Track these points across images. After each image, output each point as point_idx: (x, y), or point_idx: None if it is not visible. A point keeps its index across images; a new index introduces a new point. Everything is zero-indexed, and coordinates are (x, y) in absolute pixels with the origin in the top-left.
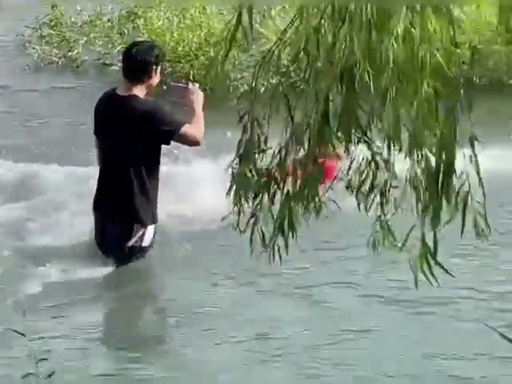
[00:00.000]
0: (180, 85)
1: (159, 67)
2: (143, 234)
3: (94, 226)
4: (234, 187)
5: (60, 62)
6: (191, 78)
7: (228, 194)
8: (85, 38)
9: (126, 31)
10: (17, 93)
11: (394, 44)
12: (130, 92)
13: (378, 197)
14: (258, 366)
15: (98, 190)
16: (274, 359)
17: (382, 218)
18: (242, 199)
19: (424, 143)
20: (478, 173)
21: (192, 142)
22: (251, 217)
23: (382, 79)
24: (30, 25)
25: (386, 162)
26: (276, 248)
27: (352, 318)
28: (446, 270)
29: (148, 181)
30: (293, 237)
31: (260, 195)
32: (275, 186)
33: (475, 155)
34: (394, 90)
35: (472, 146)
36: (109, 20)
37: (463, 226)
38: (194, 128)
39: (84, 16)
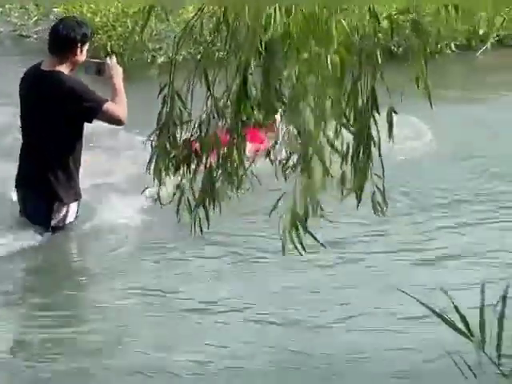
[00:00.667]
0: (97, 60)
1: (86, 45)
2: (66, 213)
3: (18, 203)
4: (154, 160)
5: None
6: (109, 49)
7: (148, 167)
8: (0, 9)
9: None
10: None
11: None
12: (54, 68)
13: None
14: None
15: (19, 166)
16: None
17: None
18: (163, 172)
19: (334, 113)
20: (379, 148)
21: (115, 121)
22: (176, 188)
23: (293, 49)
24: None
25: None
26: (197, 220)
27: None
28: (315, 239)
29: (69, 158)
30: (214, 209)
31: (181, 168)
32: (196, 159)
33: (391, 125)
34: (300, 59)
35: (389, 116)
36: None
37: (360, 198)
38: (117, 106)
39: None
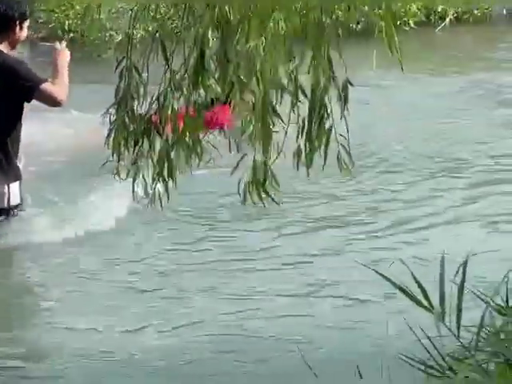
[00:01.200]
0: (47, 44)
1: (26, 23)
2: (8, 195)
3: None
4: (113, 134)
5: None
6: (66, 28)
7: (106, 141)
8: None
9: None
10: None
11: None
12: None
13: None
14: None
15: None
16: None
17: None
18: (122, 146)
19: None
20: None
21: (53, 101)
22: (132, 164)
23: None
24: None
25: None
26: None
27: None
28: (273, 200)
29: (8, 139)
30: (173, 183)
31: (140, 142)
32: (154, 133)
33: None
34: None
35: (344, 88)
36: None
37: (325, 159)
38: (56, 87)
39: None
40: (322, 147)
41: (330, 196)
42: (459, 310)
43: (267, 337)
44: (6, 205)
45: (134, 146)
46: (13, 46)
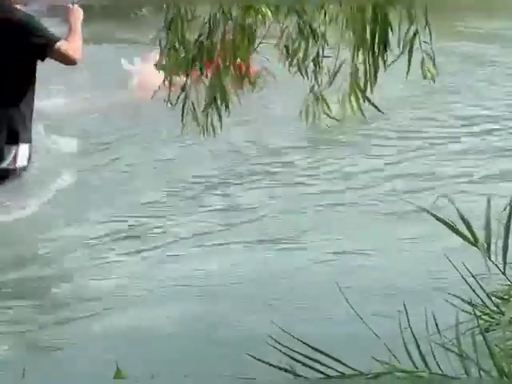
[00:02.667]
0: (60, 5)
1: None
2: (16, 155)
3: None
4: (164, 60)
5: None
6: None
7: (157, 67)
8: None
9: None
10: None
11: None
12: None
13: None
14: None
15: None
16: None
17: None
18: (173, 72)
19: None
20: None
21: (67, 60)
22: (182, 90)
23: None
24: None
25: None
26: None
27: None
28: (374, 105)
29: (21, 99)
30: (226, 108)
31: (191, 66)
32: (205, 58)
33: None
34: None
35: None
36: None
37: (409, 65)
38: (70, 44)
39: None
40: None
41: None
42: (505, 247)
43: None
44: (11, 166)
45: (186, 70)
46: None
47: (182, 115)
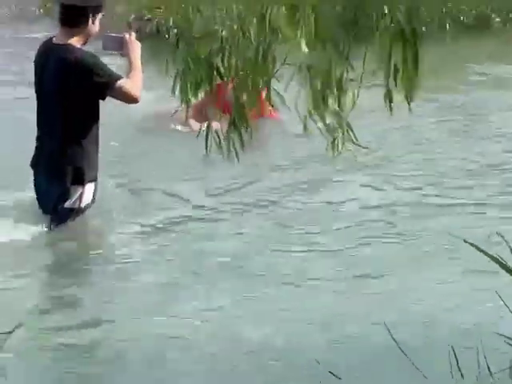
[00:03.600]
0: (114, 35)
1: (98, 15)
2: (81, 194)
3: (33, 184)
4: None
5: None
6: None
7: (173, 90)
8: None
9: None
10: None
11: None
12: (65, 41)
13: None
14: None
15: (36, 147)
16: None
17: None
18: (190, 91)
19: None
20: None
21: (129, 98)
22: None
23: None
24: None
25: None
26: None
27: None
28: None
29: (85, 137)
30: (246, 130)
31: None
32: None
33: None
34: None
35: None
36: None
37: None
38: (131, 82)
39: None
40: None
41: None
42: None
43: None
44: (76, 205)
45: (201, 89)
46: (86, 41)
47: (206, 141)
